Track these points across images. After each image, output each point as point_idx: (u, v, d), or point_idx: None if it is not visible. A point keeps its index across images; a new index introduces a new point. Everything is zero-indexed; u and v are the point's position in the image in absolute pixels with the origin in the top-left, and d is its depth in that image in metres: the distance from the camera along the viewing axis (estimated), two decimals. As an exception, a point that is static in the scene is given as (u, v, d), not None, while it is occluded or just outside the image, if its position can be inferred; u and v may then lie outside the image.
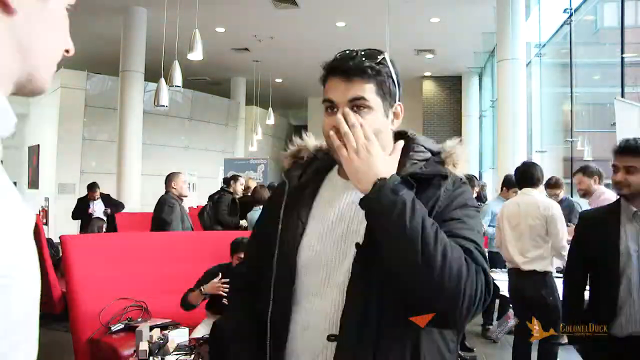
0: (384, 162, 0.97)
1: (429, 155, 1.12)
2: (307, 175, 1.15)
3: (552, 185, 4.65)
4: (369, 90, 1.00)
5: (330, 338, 1.00)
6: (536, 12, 8.32)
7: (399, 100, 1.09)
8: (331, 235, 1.05)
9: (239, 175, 6.70)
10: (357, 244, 1.01)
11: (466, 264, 0.93)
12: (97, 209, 7.59)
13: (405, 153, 1.07)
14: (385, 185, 0.93)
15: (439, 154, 1.13)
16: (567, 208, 4.81)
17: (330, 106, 1.02)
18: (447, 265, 0.90)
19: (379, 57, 1.03)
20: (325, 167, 1.15)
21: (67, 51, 0.60)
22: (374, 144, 0.97)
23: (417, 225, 0.91)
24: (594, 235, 2.13)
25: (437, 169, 1.08)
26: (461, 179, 1.10)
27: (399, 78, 1.07)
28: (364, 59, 1.01)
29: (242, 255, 3.27)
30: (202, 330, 3.04)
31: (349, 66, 1.00)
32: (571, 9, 6.79)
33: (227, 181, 6.54)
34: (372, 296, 0.98)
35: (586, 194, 4.04)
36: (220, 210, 5.92)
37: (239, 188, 6.37)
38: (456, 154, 1.13)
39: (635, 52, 5.95)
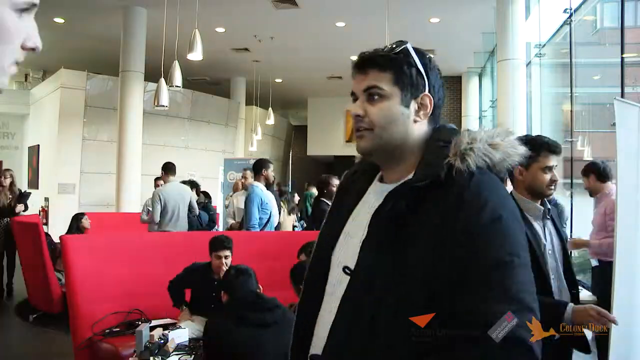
0: None
1: (448, 150, 0.96)
2: (357, 174, 1.15)
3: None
4: (384, 80, 1.00)
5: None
6: (536, 12, 8.31)
7: (429, 92, 1.02)
8: (352, 239, 1.03)
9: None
10: (344, 269, 0.98)
11: None
12: None
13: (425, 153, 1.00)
14: None
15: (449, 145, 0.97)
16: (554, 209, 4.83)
17: (354, 98, 1.05)
18: None
19: (398, 47, 1.01)
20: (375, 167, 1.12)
21: (32, 49, 0.58)
22: None
23: None
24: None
25: (428, 171, 0.94)
26: (471, 172, 0.91)
27: (430, 70, 1.02)
28: (382, 51, 1.02)
29: (220, 254, 3.25)
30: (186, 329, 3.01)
31: (364, 59, 1.03)
32: (571, 9, 6.78)
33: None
34: (363, 322, 0.92)
35: (592, 193, 3.97)
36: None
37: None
38: (461, 142, 0.94)
39: (635, 52, 5.94)
